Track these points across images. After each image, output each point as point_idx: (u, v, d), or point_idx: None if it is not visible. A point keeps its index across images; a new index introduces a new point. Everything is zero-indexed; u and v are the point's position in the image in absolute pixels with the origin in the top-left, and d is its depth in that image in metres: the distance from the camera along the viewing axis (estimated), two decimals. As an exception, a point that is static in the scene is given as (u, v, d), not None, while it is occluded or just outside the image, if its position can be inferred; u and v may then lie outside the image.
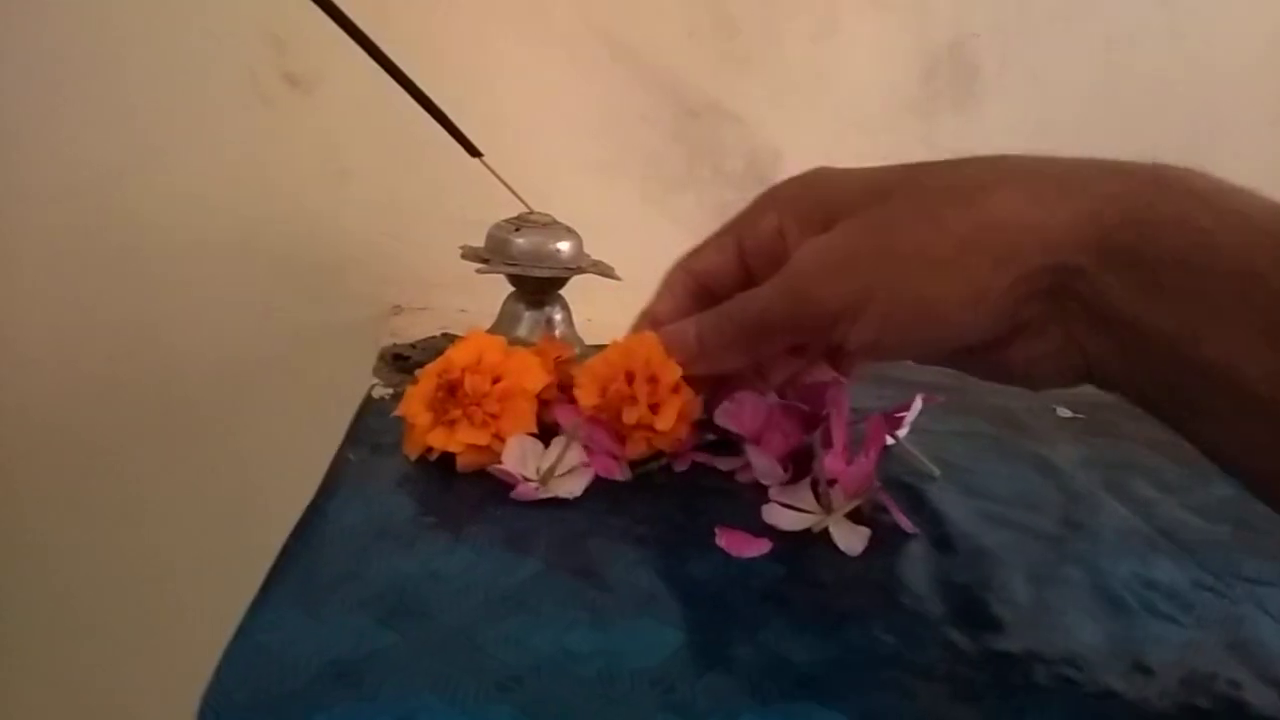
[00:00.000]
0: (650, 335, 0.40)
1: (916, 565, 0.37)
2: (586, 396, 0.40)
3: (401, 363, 0.53)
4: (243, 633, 0.29)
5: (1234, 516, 0.45)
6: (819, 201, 0.33)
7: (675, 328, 0.37)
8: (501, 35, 0.63)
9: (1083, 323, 0.29)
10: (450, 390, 0.40)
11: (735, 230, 0.37)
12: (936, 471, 0.45)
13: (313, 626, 0.30)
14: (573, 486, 0.39)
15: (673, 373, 0.39)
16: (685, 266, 0.39)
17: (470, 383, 0.40)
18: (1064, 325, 0.29)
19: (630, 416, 0.40)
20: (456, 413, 0.40)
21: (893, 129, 0.71)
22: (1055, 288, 0.28)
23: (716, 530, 0.37)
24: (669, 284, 0.39)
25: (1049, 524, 0.42)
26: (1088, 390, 0.62)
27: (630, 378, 0.40)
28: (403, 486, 0.39)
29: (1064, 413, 0.58)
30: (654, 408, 0.40)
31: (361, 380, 0.51)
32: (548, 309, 0.53)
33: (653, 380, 0.40)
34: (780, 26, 0.67)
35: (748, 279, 0.37)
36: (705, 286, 0.38)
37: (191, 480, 0.70)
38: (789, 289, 0.32)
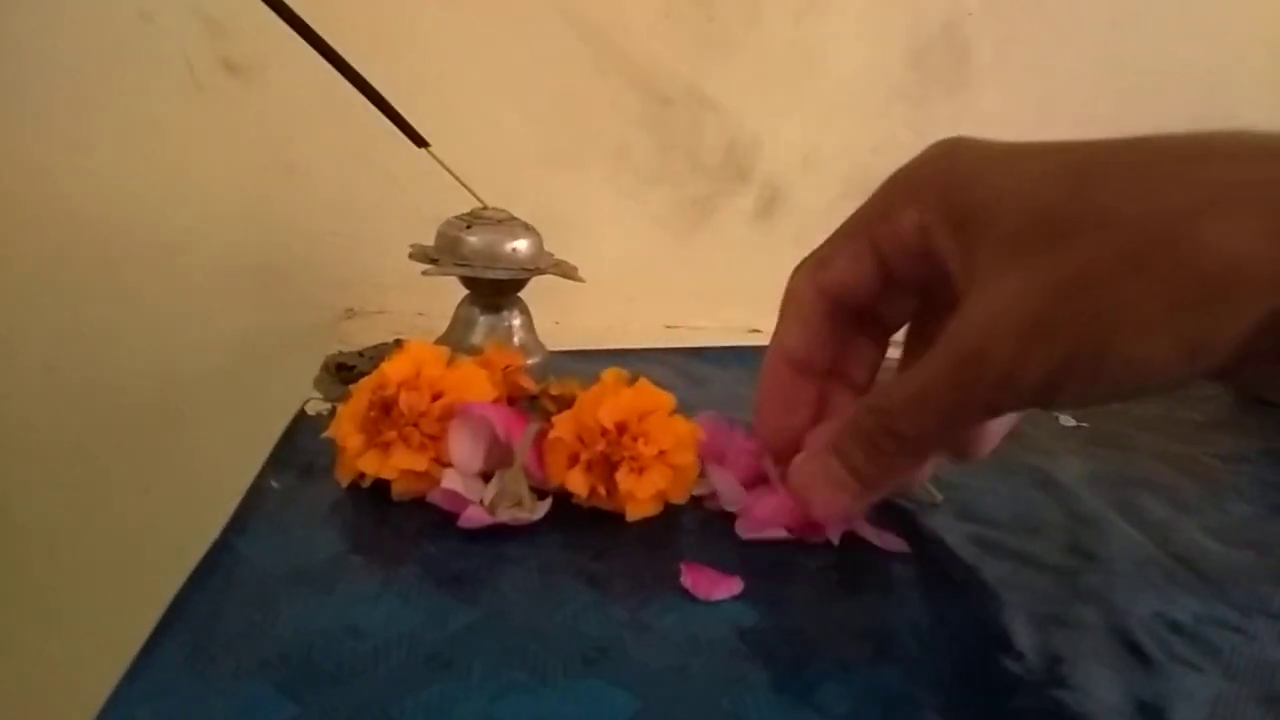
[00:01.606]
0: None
1: (907, 607, 0.32)
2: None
3: (345, 373, 0.48)
4: (114, 703, 0.25)
5: (1256, 540, 0.41)
6: (974, 209, 0.27)
7: (816, 469, 0.30)
8: (453, 13, 0.59)
9: None
10: (384, 409, 0.36)
11: (868, 230, 0.30)
12: (939, 497, 0.41)
13: (200, 695, 0.25)
14: (531, 511, 0.35)
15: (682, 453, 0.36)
16: (814, 282, 0.32)
17: (406, 400, 0.36)
18: None
19: (625, 481, 0.35)
20: (391, 434, 0.35)
21: (882, 115, 0.67)
22: None
23: (682, 568, 0.33)
24: (797, 307, 0.32)
25: (1054, 553, 0.38)
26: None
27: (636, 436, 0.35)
28: (329, 519, 0.35)
29: (1067, 421, 0.53)
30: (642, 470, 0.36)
31: (311, 392, 0.46)
32: (505, 314, 0.49)
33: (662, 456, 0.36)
34: (761, 6, 0.62)
35: (889, 287, 0.31)
36: (841, 303, 0.32)
37: (124, 503, 0.66)
38: (970, 373, 0.25)
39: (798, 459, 0.32)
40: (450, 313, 0.51)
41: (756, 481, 0.37)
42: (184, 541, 0.62)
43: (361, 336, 0.55)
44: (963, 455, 0.34)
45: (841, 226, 0.31)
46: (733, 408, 0.50)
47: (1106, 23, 0.66)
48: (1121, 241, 0.23)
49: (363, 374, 0.47)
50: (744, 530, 0.36)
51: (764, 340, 0.36)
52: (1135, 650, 0.31)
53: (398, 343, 0.53)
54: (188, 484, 0.64)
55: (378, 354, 0.51)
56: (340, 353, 0.51)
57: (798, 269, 0.32)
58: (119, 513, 0.66)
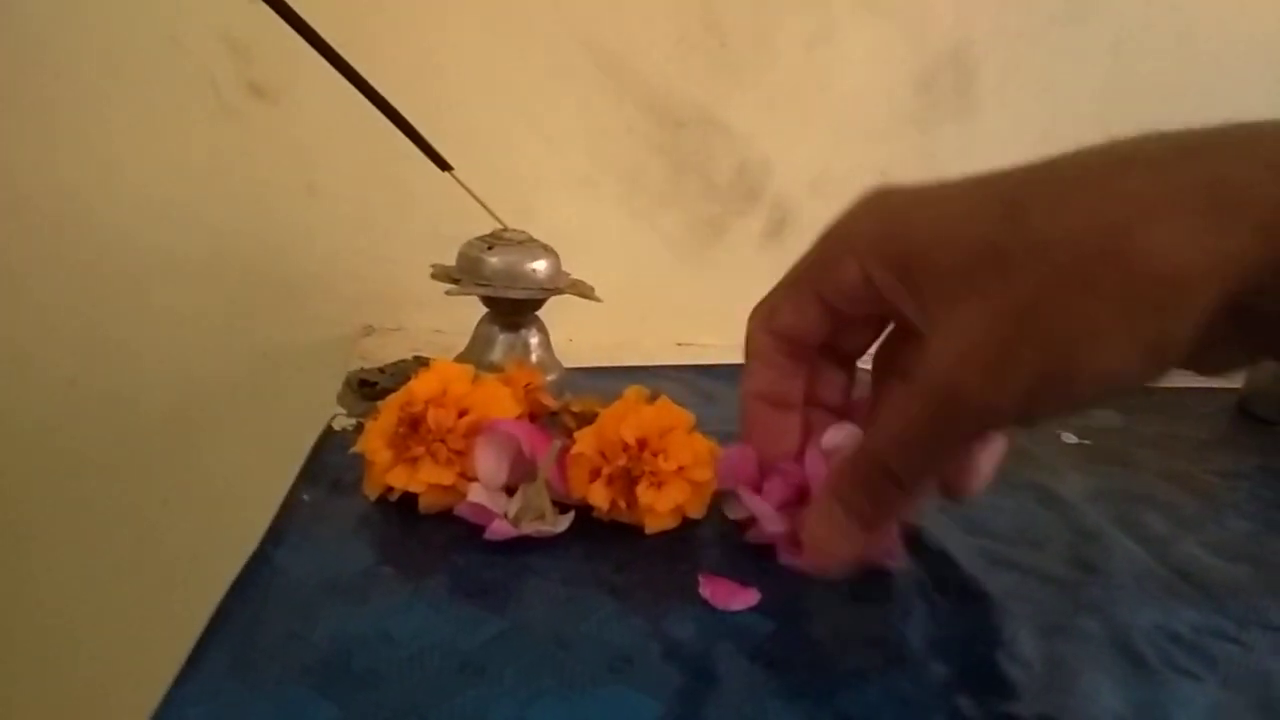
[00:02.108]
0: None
1: (917, 618, 0.34)
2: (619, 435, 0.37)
3: (368, 389, 0.50)
4: (167, 707, 0.26)
5: (1253, 554, 0.42)
6: (912, 254, 0.28)
7: (819, 520, 0.31)
8: (475, 40, 0.60)
9: (1271, 332, 0.26)
10: (412, 425, 0.37)
11: (810, 283, 0.32)
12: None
13: (246, 698, 0.27)
14: (554, 524, 0.36)
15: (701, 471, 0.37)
16: (767, 329, 0.34)
17: (434, 416, 0.37)
18: (1248, 339, 0.26)
19: (645, 495, 0.36)
20: (419, 449, 0.37)
21: (890, 139, 0.68)
22: (1236, 308, 0.24)
23: (700, 579, 0.34)
24: (758, 354, 0.35)
25: (1058, 566, 0.39)
26: (1094, 415, 0.59)
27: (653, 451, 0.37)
28: (359, 531, 0.36)
29: (1069, 439, 0.55)
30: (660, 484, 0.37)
31: (331, 408, 0.48)
32: (524, 332, 0.50)
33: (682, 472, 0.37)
34: (773, 33, 0.64)
35: (838, 328, 0.33)
36: (796, 343, 0.34)
37: (144, 515, 0.67)
38: (947, 408, 0.26)
39: (805, 518, 0.33)
40: (466, 329, 0.53)
41: (794, 503, 0.38)
42: (202, 551, 0.63)
43: (380, 353, 0.57)
44: (958, 491, 0.35)
45: (786, 277, 0.33)
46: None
47: (1107, 49, 0.68)
48: (1064, 262, 0.24)
49: (385, 390, 0.49)
50: (787, 557, 0.36)
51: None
52: (1136, 660, 0.32)
53: (417, 359, 0.55)
54: (207, 496, 0.66)
55: (399, 370, 0.52)
56: (362, 369, 0.52)
57: (751, 317, 0.34)
58: (139, 524, 0.67)
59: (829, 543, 0.31)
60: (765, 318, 0.34)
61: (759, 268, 0.68)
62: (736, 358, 0.36)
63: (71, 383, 0.63)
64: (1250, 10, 0.68)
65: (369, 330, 0.63)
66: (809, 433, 0.36)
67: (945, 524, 0.41)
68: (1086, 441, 0.54)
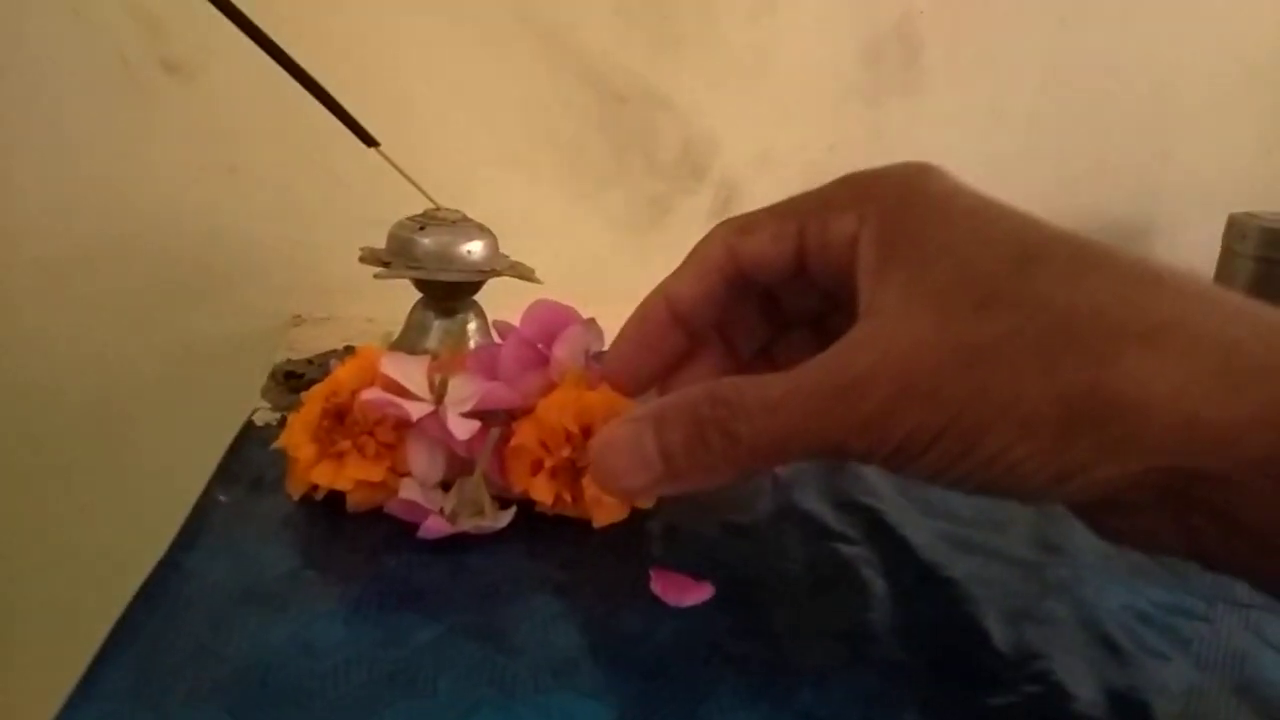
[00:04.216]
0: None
1: (881, 606, 0.32)
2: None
3: (294, 381, 0.47)
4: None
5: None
6: (911, 244, 0.25)
7: (625, 433, 0.26)
8: (403, 11, 0.57)
9: (1205, 520, 0.23)
10: (338, 417, 0.35)
11: (800, 217, 0.28)
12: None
13: (148, 724, 0.24)
14: (494, 519, 0.34)
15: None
16: (730, 243, 0.29)
17: (361, 408, 0.34)
18: (1177, 520, 0.23)
19: (592, 487, 0.34)
20: (345, 443, 0.34)
21: (837, 114, 0.66)
22: (1181, 488, 0.22)
23: (651, 574, 0.32)
24: (701, 261, 0.30)
25: (1021, 547, 0.38)
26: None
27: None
28: (281, 533, 0.33)
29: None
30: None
31: (255, 402, 0.45)
32: (460, 317, 0.47)
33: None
34: (715, 4, 0.62)
35: (798, 280, 0.29)
36: (745, 275, 0.30)
37: (58, 519, 0.63)
38: (841, 403, 0.23)
39: (611, 422, 0.28)
40: (400, 318, 0.50)
41: None
42: (123, 559, 0.59)
43: (310, 344, 0.54)
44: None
45: (777, 204, 0.29)
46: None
47: (1055, 22, 0.67)
48: (1044, 329, 0.22)
49: (313, 382, 0.46)
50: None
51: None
52: (1107, 643, 0.31)
53: (348, 349, 0.52)
54: (127, 498, 0.62)
55: (327, 361, 0.50)
56: (289, 360, 0.49)
57: (718, 226, 0.30)
58: (55, 529, 0.63)
59: (613, 459, 0.26)
60: (737, 230, 0.29)
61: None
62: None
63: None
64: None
65: (298, 320, 0.60)
66: (686, 366, 0.33)
67: (902, 507, 0.40)
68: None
